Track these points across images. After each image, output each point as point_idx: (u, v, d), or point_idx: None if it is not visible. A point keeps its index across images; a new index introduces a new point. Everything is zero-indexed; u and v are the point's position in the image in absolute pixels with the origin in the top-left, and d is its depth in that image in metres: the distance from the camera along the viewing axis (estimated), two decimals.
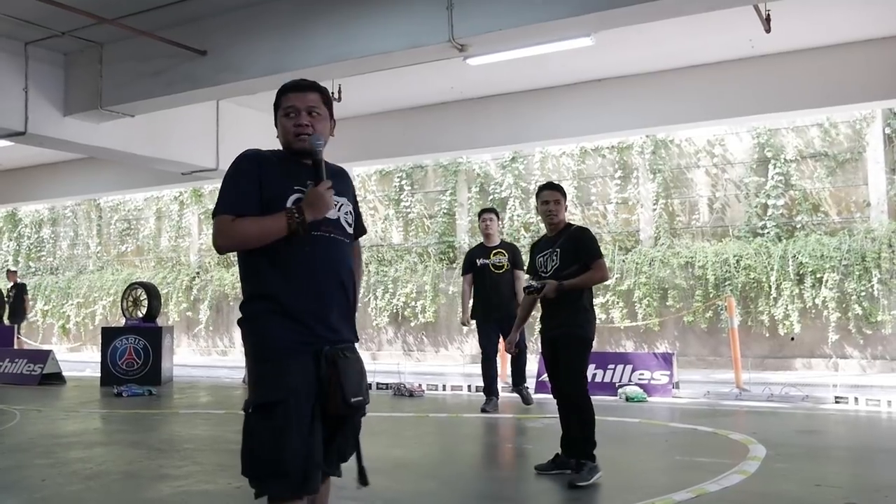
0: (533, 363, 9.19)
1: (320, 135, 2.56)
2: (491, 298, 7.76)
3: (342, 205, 2.61)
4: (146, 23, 7.85)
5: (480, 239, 8.30)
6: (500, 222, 8.24)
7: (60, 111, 9.06)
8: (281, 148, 2.64)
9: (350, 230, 2.65)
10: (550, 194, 4.92)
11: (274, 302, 2.47)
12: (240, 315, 2.58)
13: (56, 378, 11.22)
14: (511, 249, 7.93)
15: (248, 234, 2.46)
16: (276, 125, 2.65)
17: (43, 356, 11.50)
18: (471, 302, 8.06)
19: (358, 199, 2.82)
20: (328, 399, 2.42)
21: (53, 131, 9.06)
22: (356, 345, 2.64)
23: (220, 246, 2.52)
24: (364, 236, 2.87)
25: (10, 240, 21.80)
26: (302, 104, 2.56)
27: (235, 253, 2.59)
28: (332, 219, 2.55)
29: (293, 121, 2.56)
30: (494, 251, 7.82)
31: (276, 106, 2.63)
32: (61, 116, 9.07)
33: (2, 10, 7.75)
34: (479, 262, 7.82)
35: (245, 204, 2.47)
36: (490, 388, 7.87)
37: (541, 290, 4.71)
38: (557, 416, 4.90)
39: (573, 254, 4.74)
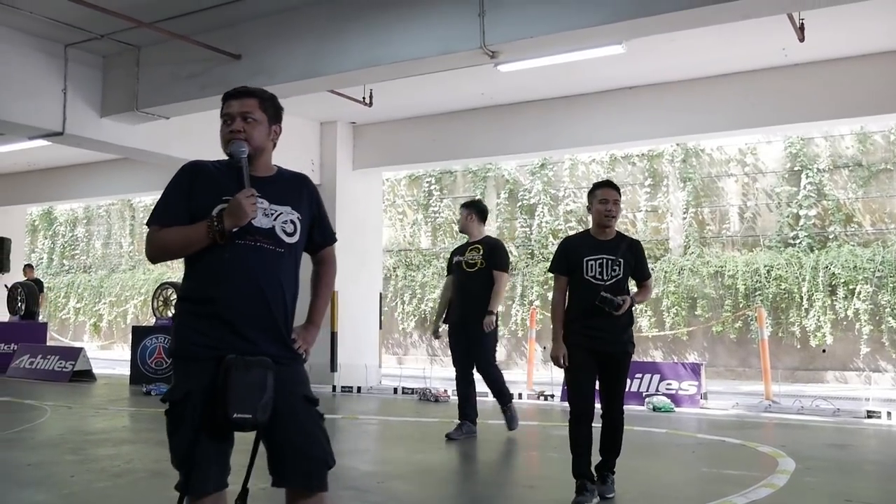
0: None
1: (243, 142, 2.52)
2: (458, 300, 6.83)
3: (280, 214, 2.55)
4: (182, 27, 7.98)
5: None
6: (475, 216, 6.94)
7: (97, 112, 9.23)
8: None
9: (289, 239, 2.55)
10: (611, 193, 4.49)
11: (190, 304, 2.51)
12: None
13: (86, 375, 11.42)
14: (488, 245, 6.78)
15: (170, 243, 2.52)
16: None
17: (74, 353, 11.70)
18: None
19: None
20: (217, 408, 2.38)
21: (90, 132, 9.22)
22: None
23: (148, 255, 2.59)
24: (335, 244, 2.79)
25: (46, 238, 22.24)
26: (237, 111, 2.55)
27: None
28: (262, 227, 2.50)
29: (228, 127, 2.56)
30: (471, 247, 6.81)
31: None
32: (98, 117, 9.24)
33: (43, 13, 7.92)
34: (455, 258, 6.93)
35: (171, 215, 2.51)
36: (462, 411, 6.86)
37: (620, 308, 4.29)
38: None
39: (632, 267, 4.52)
